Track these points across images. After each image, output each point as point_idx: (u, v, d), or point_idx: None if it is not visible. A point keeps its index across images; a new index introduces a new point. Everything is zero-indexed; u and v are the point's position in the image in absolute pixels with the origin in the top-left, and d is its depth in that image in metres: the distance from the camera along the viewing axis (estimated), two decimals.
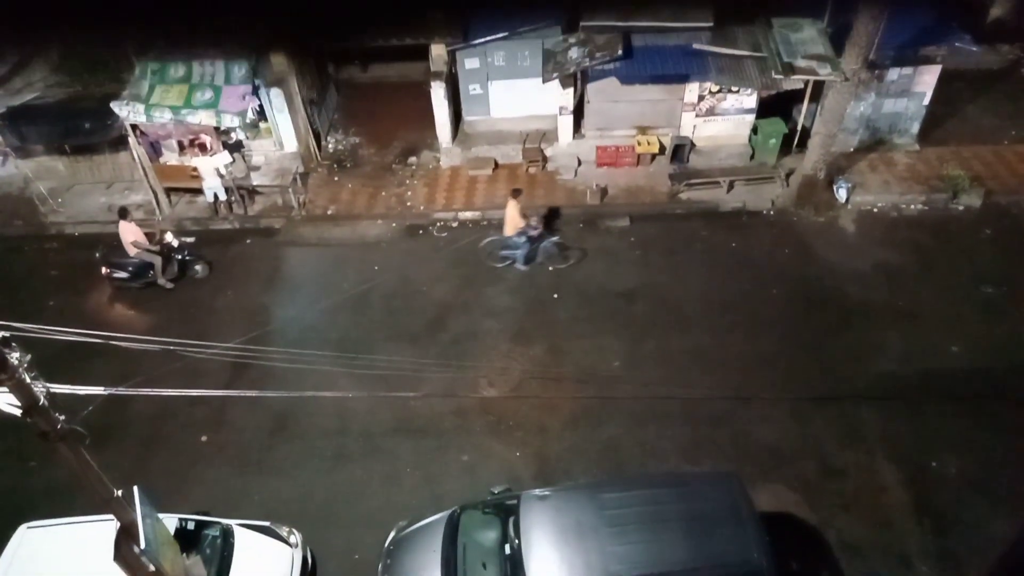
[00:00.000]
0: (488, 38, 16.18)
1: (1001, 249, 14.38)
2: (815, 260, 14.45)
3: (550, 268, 14.43)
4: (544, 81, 15.92)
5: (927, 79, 15.86)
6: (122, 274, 14.19)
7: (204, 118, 15.25)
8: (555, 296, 13.97)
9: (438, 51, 16.46)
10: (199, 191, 16.07)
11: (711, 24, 15.60)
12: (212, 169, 15.62)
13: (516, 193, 13.83)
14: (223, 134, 16.30)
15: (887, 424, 11.28)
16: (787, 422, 11.39)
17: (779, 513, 10.00)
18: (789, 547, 9.17)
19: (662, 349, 12.75)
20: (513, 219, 13.79)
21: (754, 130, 16.53)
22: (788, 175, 16.00)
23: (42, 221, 16.41)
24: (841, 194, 15.56)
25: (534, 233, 14.18)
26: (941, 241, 14.69)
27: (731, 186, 16.02)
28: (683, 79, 15.82)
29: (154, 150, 16.49)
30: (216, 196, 15.83)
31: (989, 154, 16.51)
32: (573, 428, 11.53)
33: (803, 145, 15.91)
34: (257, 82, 15.92)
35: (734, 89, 15.90)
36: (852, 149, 16.74)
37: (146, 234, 14.05)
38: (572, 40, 15.75)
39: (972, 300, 13.30)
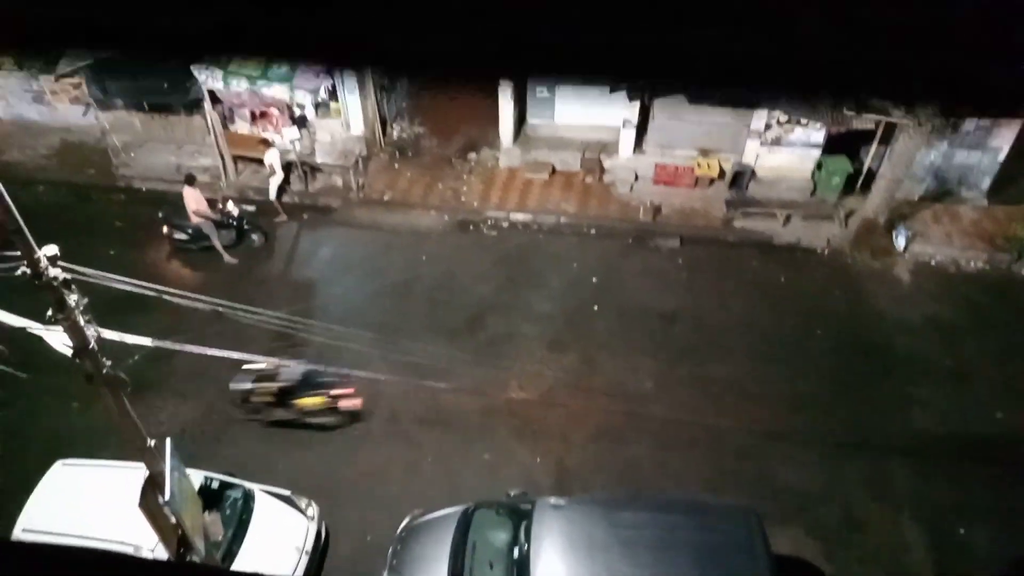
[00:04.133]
0: None
1: None
2: (865, 305, 14.15)
3: None
4: (611, 92, 15.90)
5: (1005, 134, 15.38)
6: (182, 236, 14.66)
7: (278, 91, 15.69)
8: (595, 308, 13.96)
9: None
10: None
11: None
12: (278, 162, 15.80)
13: None
14: (293, 109, 16.71)
15: (918, 483, 10.99)
16: (815, 466, 11.18)
17: (794, 558, 9.84)
18: None
19: (697, 375, 12.63)
20: None
21: (818, 166, 16.24)
22: (848, 216, 15.68)
23: (113, 173, 17.06)
24: (900, 242, 15.19)
25: None
26: (998, 303, 14.22)
27: (787, 219, 15.77)
28: (752, 105, 15.65)
29: (226, 117, 16.99)
30: (279, 191, 16.03)
31: None
32: (597, 442, 11.52)
33: (867, 187, 15.59)
34: None
35: (803, 121, 15.67)
36: (917, 197, 16.31)
37: (208, 200, 14.49)
38: None
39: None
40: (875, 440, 11.45)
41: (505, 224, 16.10)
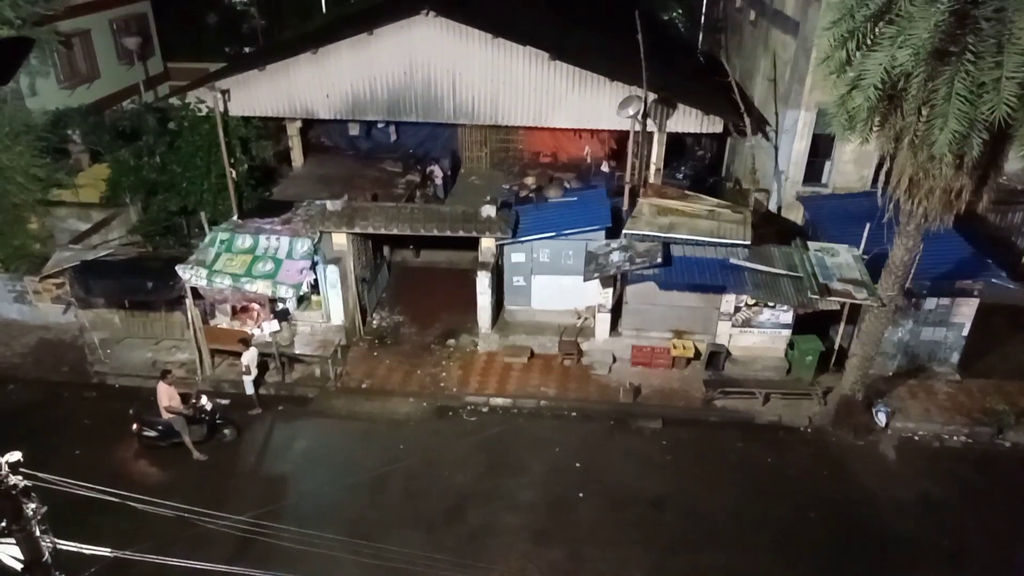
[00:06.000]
0: (536, 237, 17.14)
1: None
2: (854, 485, 13.85)
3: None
4: (585, 280, 16.55)
5: (965, 310, 15.99)
6: (151, 433, 14.30)
7: (261, 287, 16.06)
8: (580, 495, 13.50)
9: (488, 244, 17.39)
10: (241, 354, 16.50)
11: (748, 243, 16.33)
12: (255, 363, 15.79)
13: None
14: (274, 302, 17.01)
15: None
16: None
17: None
18: None
19: (691, 566, 12.00)
20: None
21: (790, 345, 16.61)
22: (825, 393, 15.80)
23: (87, 370, 16.89)
24: (880, 418, 15.21)
25: None
26: (987, 478, 14.01)
27: (767, 398, 15.83)
28: (720, 290, 16.26)
29: (207, 312, 17.21)
30: (255, 384, 16.00)
31: None
32: None
33: (841, 364, 15.85)
34: (316, 258, 16.88)
35: (770, 304, 16.23)
36: (891, 373, 16.58)
37: (182, 394, 14.28)
38: (615, 245, 16.55)
39: (1022, 544, 12.44)
40: None
41: (485, 409, 15.94)
